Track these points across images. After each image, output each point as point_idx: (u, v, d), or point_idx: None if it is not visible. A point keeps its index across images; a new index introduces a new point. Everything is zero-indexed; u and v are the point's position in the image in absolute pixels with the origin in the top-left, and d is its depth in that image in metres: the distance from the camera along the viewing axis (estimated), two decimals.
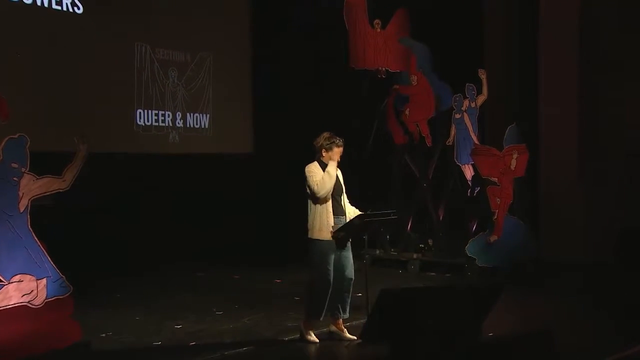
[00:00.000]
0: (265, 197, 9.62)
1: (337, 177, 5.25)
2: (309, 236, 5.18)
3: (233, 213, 9.25)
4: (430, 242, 8.63)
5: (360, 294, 5.99)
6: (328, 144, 5.15)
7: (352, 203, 5.41)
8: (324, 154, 5.18)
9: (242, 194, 9.45)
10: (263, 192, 9.65)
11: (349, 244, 5.26)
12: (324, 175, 5.09)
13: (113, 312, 6.19)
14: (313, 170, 5.15)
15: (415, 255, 8.51)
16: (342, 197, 5.25)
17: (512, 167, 7.87)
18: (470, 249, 7.76)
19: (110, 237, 7.91)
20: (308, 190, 5.15)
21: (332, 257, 5.15)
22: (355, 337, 5.23)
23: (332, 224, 5.10)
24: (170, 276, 7.87)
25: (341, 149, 5.18)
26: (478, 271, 7.73)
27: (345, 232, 5.16)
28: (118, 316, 6.04)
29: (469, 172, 8.41)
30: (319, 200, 5.11)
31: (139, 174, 8.35)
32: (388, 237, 8.87)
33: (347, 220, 5.19)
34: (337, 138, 5.19)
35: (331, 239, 5.11)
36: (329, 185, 5.08)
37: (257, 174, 9.59)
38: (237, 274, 8.08)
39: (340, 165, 5.29)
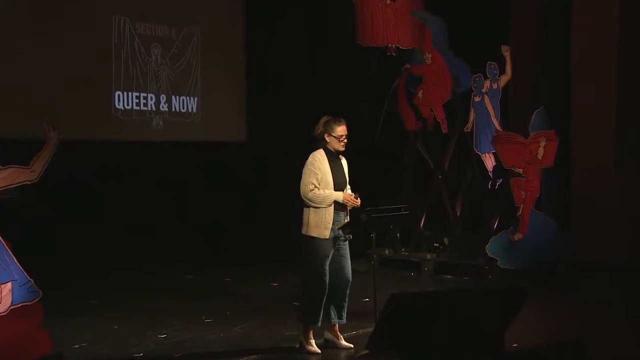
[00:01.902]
0: (261, 191, 9.62)
1: (341, 167, 5.28)
2: (304, 232, 5.20)
3: (224, 208, 9.25)
4: (445, 240, 8.63)
5: (367, 299, 6.04)
6: (329, 127, 5.20)
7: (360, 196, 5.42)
8: (327, 139, 5.22)
9: (234, 187, 9.44)
10: (258, 185, 9.64)
11: (347, 243, 5.28)
12: (328, 195, 5.09)
13: (88, 319, 6.18)
14: (317, 164, 5.15)
15: (429, 256, 8.52)
16: (344, 191, 5.26)
17: (540, 156, 7.86)
18: (491, 248, 7.77)
19: (86, 235, 7.90)
20: (301, 183, 5.18)
21: (329, 257, 5.18)
22: (351, 345, 5.29)
23: (331, 221, 5.12)
24: (153, 279, 7.87)
25: (344, 126, 5.22)
26: (500, 273, 7.74)
27: (350, 230, 5.15)
28: (94, 324, 6.03)
29: (490, 162, 8.40)
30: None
31: (117, 163, 8.33)
32: (398, 235, 8.87)
33: (347, 214, 5.22)
34: (336, 118, 5.24)
35: (328, 237, 5.13)
36: (324, 204, 5.10)
37: (251, 165, 9.58)
38: (228, 276, 8.09)
39: (344, 154, 5.31)
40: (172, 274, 8.10)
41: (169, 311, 6.47)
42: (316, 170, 5.14)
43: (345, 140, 5.23)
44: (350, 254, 5.31)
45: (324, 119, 5.26)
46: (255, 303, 6.84)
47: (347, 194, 5.17)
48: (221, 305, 6.71)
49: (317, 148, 5.26)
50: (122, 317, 6.22)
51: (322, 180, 5.15)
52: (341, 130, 5.20)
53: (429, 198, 8.91)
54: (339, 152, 5.27)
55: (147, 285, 7.62)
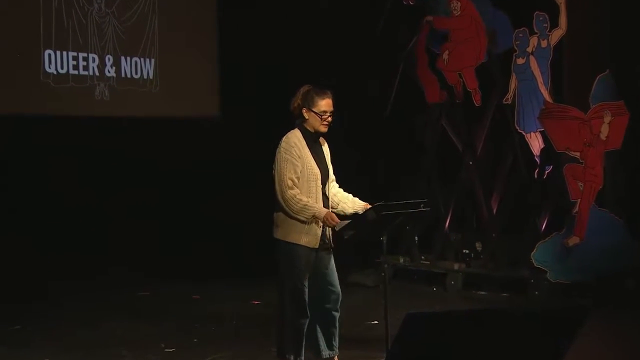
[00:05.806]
0: (237, 181, 9.61)
1: (322, 153, 5.30)
2: (278, 237, 5.20)
3: (191, 204, 9.26)
4: (478, 246, 8.67)
5: (376, 322, 6.16)
6: (310, 99, 5.18)
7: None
8: (306, 115, 5.19)
9: (203, 176, 9.44)
10: (233, 173, 9.63)
11: (330, 251, 5.27)
12: (310, 206, 5.05)
13: (10, 351, 6.17)
14: (295, 152, 5.11)
15: (456, 266, 8.58)
16: (327, 185, 5.27)
17: (603, 137, 7.87)
18: (538, 256, 7.80)
19: (8, 239, 7.86)
20: (276, 176, 5.18)
21: (310, 269, 5.19)
22: None
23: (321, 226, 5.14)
24: (97, 296, 7.87)
25: (329, 100, 5.20)
26: (550, 289, 7.79)
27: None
28: (16, 357, 6.03)
29: (536, 144, 8.42)
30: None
31: (50, 145, 8.31)
32: (417, 238, 8.90)
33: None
34: (320, 89, 5.23)
35: (316, 246, 5.13)
36: (300, 215, 5.08)
37: (226, 148, 9.56)
38: (196, 292, 8.12)
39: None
40: (122, 289, 8.10)
41: (117, 338, 6.49)
42: (294, 160, 5.11)
43: (330, 119, 5.20)
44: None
45: (303, 89, 5.24)
46: (230, 327, 6.86)
47: (330, 214, 5.11)
48: (186, 329, 6.73)
49: (292, 129, 5.23)
50: (54, 347, 6.22)
51: (303, 172, 5.13)
52: (325, 105, 5.17)
53: (456, 191, 8.92)
54: (319, 134, 5.24)
55: (89, 303, 7.61)
